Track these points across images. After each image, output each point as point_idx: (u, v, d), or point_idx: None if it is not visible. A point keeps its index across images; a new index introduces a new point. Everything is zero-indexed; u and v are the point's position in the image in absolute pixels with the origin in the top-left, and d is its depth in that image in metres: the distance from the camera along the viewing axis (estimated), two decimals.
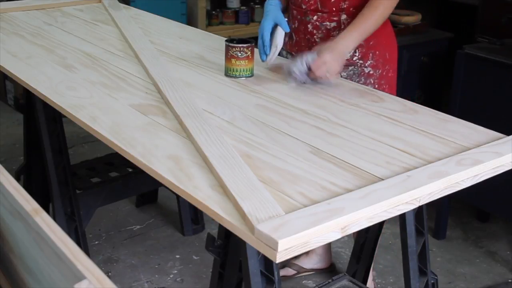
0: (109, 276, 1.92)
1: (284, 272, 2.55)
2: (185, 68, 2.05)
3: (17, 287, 1.21)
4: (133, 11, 2.80)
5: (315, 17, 2.08)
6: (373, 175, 1.35)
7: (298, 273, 2.58)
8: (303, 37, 2.14)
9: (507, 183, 2.13)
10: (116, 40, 2.34)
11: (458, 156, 1.43)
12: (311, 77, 1.88)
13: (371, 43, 2.08)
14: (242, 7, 4.66)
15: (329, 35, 2.07)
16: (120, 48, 2.24)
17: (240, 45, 1.91)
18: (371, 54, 2.10)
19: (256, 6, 4.71)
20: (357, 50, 2.08)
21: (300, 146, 1.49)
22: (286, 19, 2.04)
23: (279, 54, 2.06)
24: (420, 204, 1.31)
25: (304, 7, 2.11)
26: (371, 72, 2.11)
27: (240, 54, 1.91)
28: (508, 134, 1.56)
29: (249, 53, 1.92)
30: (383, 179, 1.32)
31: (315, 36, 2.10)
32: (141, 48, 2.18)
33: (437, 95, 3.85)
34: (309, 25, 2.10)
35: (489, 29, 3.45)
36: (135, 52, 2.15)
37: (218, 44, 2.28)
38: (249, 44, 1.92)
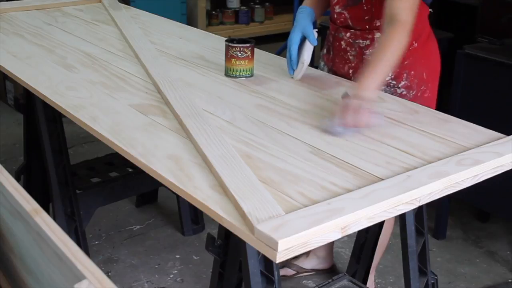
0: (109, 276, 1.92)
1: (283, 272, 2.55)
2: (185, 68, 2.05)
3: (17, 287, 1.21)
4: (133, 11, 2.80)
5: (348, 34, 1.99)
6: (373, 175, 1.35)
7: (298, 273, 2.58)
8: (337, 53, 2.05)
9: (507, 183, 2.13)
10: (116, 40, 2.34)
11: (458, 156, 1.43)
12: (342, 125, 1.56)
13: (405, 62, 1.94)
14: (242, 7, 4.67)
15: (362, 53, 1.98)
16: (120, 48, 2.24)
17: (240, 45, 1.91)
18: (405, 74, 1.98)
19: (256, 6, 4.72)
20: None
21: (300, 146, 1.49)
22: (316, 29, 1.89)
23: (315, 66, 1.95)
24: (420, 204, 1.31)
25: (337, 22, 2.03)
26: (404, 92, 1.99)
27: (240, 54, 1.91)
28: (508, 134, 1.56)
29: (249, 53, 1.92)
30: (383, 179, 1.32)
31: (348, 54, 2.02)
32: (141, 48, 2.18)
33: (437, 95, 3.84)
34: (342, 42, 2.02)
35: (489, 29, 3.45)
36: (135, 52, 2.14)
37: (218, 44, 2.28)
38: (249, 44, 1.92)
